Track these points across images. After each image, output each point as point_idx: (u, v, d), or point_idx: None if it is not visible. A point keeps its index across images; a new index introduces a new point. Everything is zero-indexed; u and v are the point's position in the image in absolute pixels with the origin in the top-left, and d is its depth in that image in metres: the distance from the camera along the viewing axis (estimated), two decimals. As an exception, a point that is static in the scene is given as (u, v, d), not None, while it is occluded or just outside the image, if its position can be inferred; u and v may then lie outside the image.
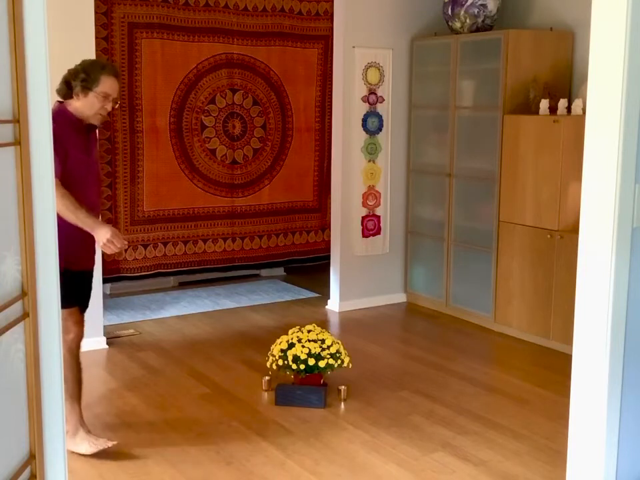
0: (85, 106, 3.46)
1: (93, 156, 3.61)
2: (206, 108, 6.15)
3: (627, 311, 2.61)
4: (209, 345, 5.10)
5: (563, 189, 4.92)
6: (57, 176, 2.96)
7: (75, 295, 3.55)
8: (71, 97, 3.45)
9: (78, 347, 3.58)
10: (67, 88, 3.46)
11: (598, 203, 2.57)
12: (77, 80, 3.44)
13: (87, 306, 3.72)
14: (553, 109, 5.08)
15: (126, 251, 5.90)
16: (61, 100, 3.47)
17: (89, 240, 3.49)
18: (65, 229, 3.22)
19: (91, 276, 3.76)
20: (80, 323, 3.61)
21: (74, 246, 3.45)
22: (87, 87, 3.43)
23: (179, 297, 6.24)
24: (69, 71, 3.50)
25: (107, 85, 3.45)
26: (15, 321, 1.88)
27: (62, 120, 3.36)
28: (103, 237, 3.35)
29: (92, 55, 4.78)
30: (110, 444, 3.53)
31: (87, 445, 3.50)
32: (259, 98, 6.38)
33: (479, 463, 3.47)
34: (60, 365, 2.12)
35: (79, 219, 3.36)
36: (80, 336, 3.60)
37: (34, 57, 1.95)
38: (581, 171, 2.63)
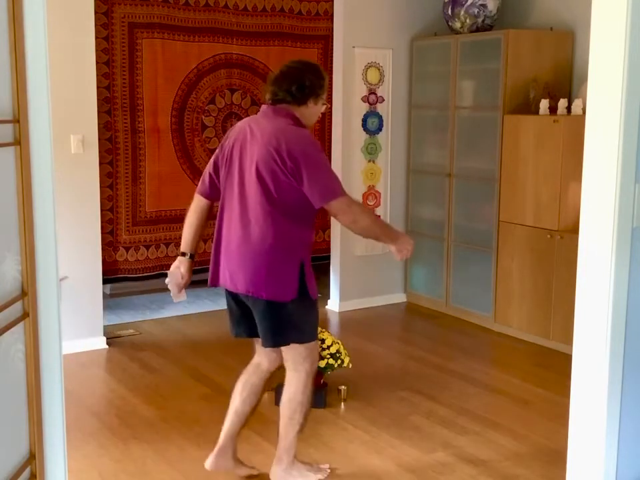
0: (313, 115, 3.09)
1: None
2: (206, 108, 6.15)
3: (627, 311, 2.61)
4: (209, 345, 5.10)
5: (563, 189, 4.92)
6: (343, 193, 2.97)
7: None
8: (297, 104, 3.02)
9: None
10: (301, 92, 3.01)
11: (598, 203, 2.57)
12: (316, 84, 3.04)
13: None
14: (553, 109, 5.08)
15: (127, 251, 5.90)
16: (275, 103, 3.03)
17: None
18: (305, 253, 3.02)
19: None
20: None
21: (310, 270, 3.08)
22: (320, 94, 3.07)
23: (179, 297, 6.23)
24: (302, 70, 3.05)
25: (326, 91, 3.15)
26: (15, 321, 1.88)
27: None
28: (410, 244, 3.08)
29: (92, 55, 4.79)
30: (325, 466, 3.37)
31: (311, 475, 3.27)
32: (257, 98, 6.38)
33: (479, 463, 3.47)
34: (60, 364, 2.12)
35: (384, 231, 3.12)
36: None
37: (34, 56, 1.95)
38: (580, 171, 2.63)
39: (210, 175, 3.17)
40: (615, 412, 2.64)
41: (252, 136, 3.00)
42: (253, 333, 3.16)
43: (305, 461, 3.34)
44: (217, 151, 3.16)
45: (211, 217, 3.29)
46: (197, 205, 3.23)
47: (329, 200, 2.92)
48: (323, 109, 3.15)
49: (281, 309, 3.00)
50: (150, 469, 3.39)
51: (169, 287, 3.26)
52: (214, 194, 3.18)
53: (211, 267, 3.17)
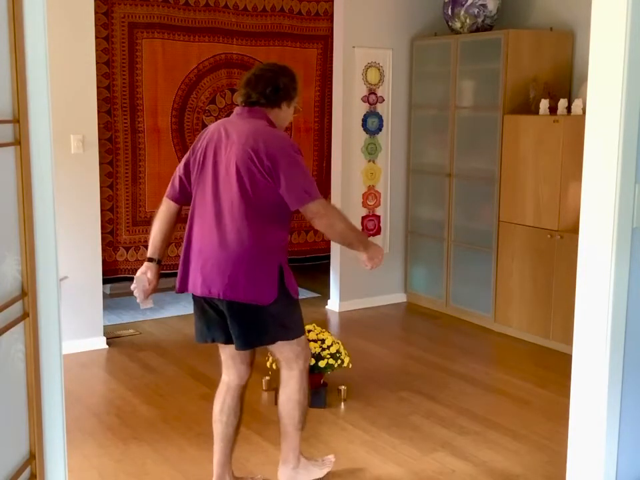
0: (286, 118, 3.08)
1: None
2: (207, 108, 6.15)
3: (627, 311, 2.61)
4: (208, 345, 5.08)
5: (563, 189, 4.92)
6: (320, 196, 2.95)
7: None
8: (271, 106, 3.00)
9: None
10: (275, 94, 2.99)
11: (598, 202, 2.57)
12: (289, 87, 3.03)
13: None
14: (553, 109, 5.08)
15: (127, 251, 5.90)
16: (248, 105, 3.00)
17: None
18: (282, 255, 2.96)
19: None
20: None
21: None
22: (293, 97, 3.06)
23: (179, 296, 6.22)
24: (276, 73, 3.03)
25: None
26: (14, 321, 1.88)
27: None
28: (381, 254, 3.06)
29: (92, 55, 4.79)
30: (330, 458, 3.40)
31: (316, 469, 3.29)
32: (258, 98, 6.38)
33: (479, 463, 3.47)
34: (60, 364, 2.12)
35: (358, 237, 3.05)
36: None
37: (34, 56, 1.95)
38: (580, 170, 2.63)
39: (180, 178, 3.06)
40: (615, 412, 2.64)
41: (227, 137, 2.94)
42: (229, 339, 3.03)
43: (309, 456, 3.35)
44: (188, 153, 3.06)
45: (180, 220, 3.17)
46: (166, 209, 3.10)
47: (305, 202, 2.87)
48: (294, 113, 3.12)
49: (261, 310, 2.92)
50: (150, 469, 3.39)
51: (134, 293, 3.14)
52: (184, 198, 3.07)
53: (179, 272, 3.02)
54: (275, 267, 2.92)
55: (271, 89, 2.98)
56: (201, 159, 2.99)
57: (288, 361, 3.12)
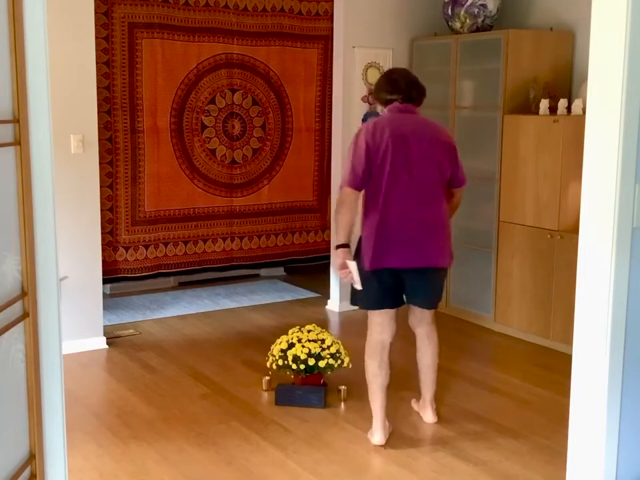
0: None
1: None
2: (206, 108, 6.15)
3: (626, 311, 2.61)
4: (208, 345, 5.10)
5: (563, 189, 4.92)
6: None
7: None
8: (418, 105, 3.71)
9: None
10: (421, 97, 3.74)
11: (598, 202, 2.56)
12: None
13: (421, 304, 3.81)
14: (553, 109, 5.08)
15: (127, 251, 5.91)
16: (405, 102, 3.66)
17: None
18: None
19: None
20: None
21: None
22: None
23: (178, 296, 6.24)
24: (418, 80, 3.74)
25: None
26: (15, 321, 1.88)
27: None
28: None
29: (92, 55, 4.78)
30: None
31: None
32: (258, 98, 6.38)
33: (479, 463, 3.47)
34: (60, 364, 2.12)
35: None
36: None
37: (34, 56, 1.95)
38: (580, 170, 2.63)
39: (363, 169, 3.47)
40: (615, 412, 2.64)
41: (414, 130, 3.55)
42: (396, 303, 3.67)
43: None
44: (365, 147, 3.48)
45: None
46: (354, 199, 3.51)
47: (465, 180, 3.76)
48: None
49: (446, 273, 3.76)
50: (150, 469, 3.39)
51: (354, 277, 3.50)
52: (364, 186, 3.52)
53: (372, 251, 3.48)
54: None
55: (420, 91, 3.74)
56: (390, 148, 3.47)
57: (432, 317, 3.81)
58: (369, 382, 3.69)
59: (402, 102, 3.64)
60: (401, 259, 3.51)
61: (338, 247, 3.50)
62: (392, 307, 3.65)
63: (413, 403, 4.07)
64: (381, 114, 3.76)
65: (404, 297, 3.71)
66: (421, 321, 3.80)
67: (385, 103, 3.70)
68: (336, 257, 3.54)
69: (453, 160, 3.62)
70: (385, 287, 3.58)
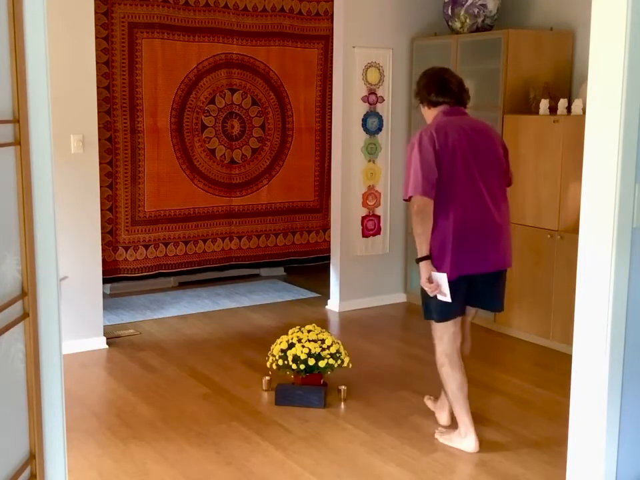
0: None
1: None
2: (206, 108, 6.15)
3: (627, 311, 2.61)
4: (208, 345, 5.10)
5: (563, 189, 4.92)
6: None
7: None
8: (465, 106, 3.65)
9: None
10: (468, 98, 3.69)
11: (598, 202, 2.56)
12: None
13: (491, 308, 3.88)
14: (553, 109, 5.08)
15: (127, 251, 5.91)
16: (457, 104, 3.61)
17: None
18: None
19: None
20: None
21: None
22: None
23: (178, 296, 6.24)
24: (419, 77, 3.70)
25: None
26: (14, 321, 1.88)
27: None
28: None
29: (92, 55, 4.78)
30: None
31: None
32: (257, 98, 6.38)
33: (479, 463, 3.47)
34: (60, 364, 2.12)
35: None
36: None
37: (34, 57, 1.95)
38: (580, 170, 2.63)
39: (436, 177, 3.38)
40: (615, 412, 2.64)
41: (472, 131, 3.51)
42: (463, 310, 3.64)
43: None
44: (433, 153, 3.37)
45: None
46: (432, 208, 3.39)
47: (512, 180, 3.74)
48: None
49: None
50: (150, 469, 3.39)
51: (444, 290, 3.39)
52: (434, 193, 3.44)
53: (452, 259, 3.39)
54: None
55: (467, 93, 3.69)
56: (457, 152, 3.42)
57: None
58: (454, 393, 3.62)
59: (453, 105, 3.57)
60: (481, 264, 3.47)
61: (420, 259, 3.41)
62: (459, 315, 3.61)
63: (427, 400, 4.04)
64: (428, 113, 3.62)
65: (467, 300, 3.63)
66: (464, 324, 3.74)
67: (435, 104, 3.57)
68: (421, 270, 3.42)
69: (507, 159, 3.65)
70: (461, 295, 3.51)
